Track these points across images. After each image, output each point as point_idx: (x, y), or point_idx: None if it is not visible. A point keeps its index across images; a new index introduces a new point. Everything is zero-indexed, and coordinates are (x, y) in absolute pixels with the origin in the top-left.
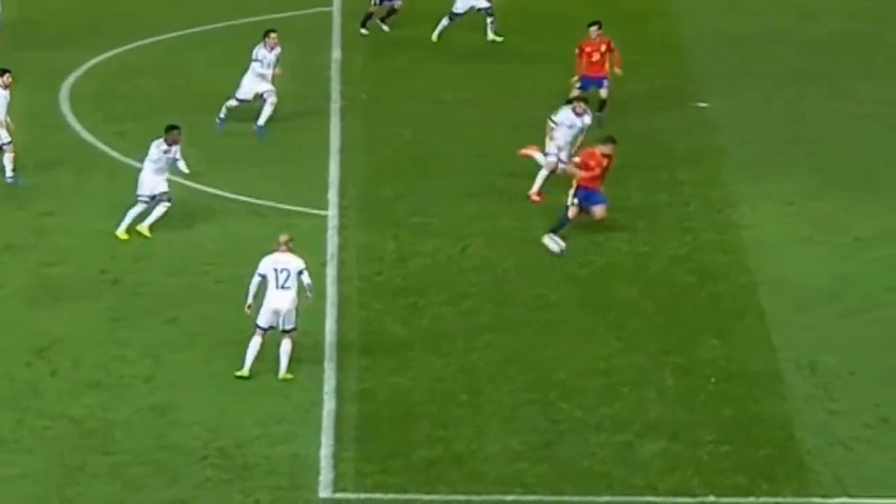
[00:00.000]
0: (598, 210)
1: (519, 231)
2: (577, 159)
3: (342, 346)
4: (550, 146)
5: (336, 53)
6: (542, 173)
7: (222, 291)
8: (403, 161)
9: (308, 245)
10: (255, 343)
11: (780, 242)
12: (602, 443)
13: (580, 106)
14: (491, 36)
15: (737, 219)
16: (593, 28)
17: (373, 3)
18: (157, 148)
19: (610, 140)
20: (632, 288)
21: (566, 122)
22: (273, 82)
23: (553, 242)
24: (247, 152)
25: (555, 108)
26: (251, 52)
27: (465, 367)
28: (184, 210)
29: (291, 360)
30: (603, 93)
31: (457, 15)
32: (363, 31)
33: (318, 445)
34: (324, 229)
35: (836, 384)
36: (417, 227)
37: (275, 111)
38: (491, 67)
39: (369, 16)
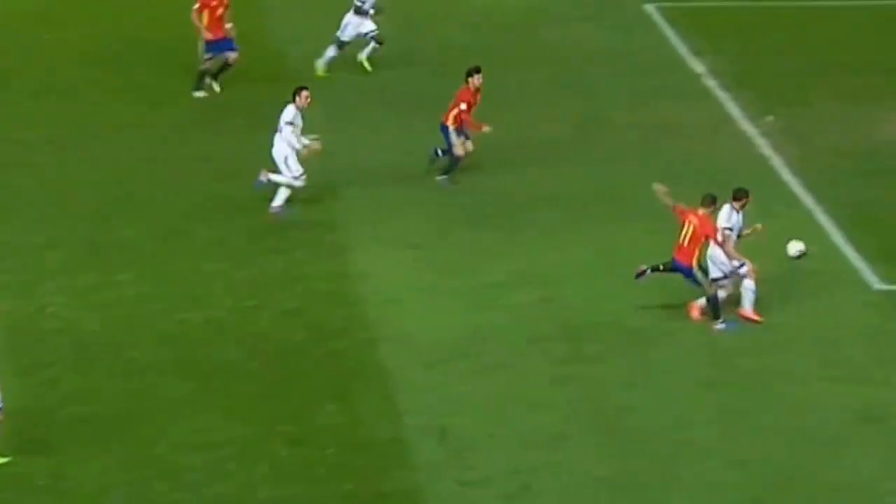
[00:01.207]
0: None
1: (105, 287)
2: None
3: None
4: None
5: None
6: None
7: None
8: None
9: None
10: None
11: (402, 292)
12: None
13: None
14: (364, 59)
15: (353, 266)
16: None
17: (204, 58)
18: None
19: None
20: (236, 348)
21: None
22: None
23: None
24: None
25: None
26: None
27: (46, 447)
28: None
29: None
30: (232, 56)
31: (344, 43)
32: (198, 93)
33: None
34: None
35: (471, 450)
36: None
37: None
38: (65, 103)
39: (203, 75)
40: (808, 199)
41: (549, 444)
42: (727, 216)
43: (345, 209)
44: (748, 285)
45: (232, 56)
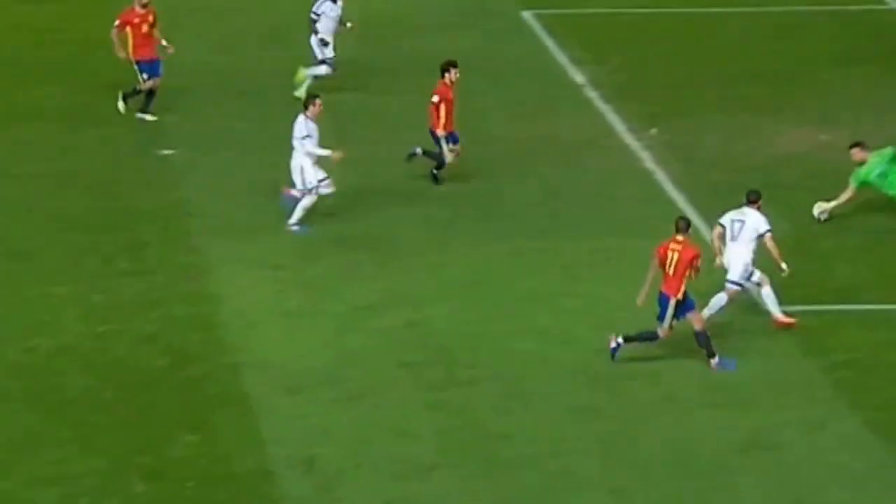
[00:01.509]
0: None
1: None
2: None
3: None
4: None
5: None
6: None
7: None
8: None
9: None
10: None
11: (266, 315)
12: None
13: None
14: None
15: (214, 288)
16: None
17: (141, 79)
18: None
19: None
20: (89, 376)
21: None
22: None
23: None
24: None
25: None
26: None
27: None
28: None
29: None
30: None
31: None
32: (148, 117)
33: None
34: None
35: (339, 481)
36: None
37: None
38: None
39: (136, 91)
40: (693, 216)
41: (420, 475)
42: (763, 219)
43: (204, 228)
44: (766, 292)
45: (156, 82)
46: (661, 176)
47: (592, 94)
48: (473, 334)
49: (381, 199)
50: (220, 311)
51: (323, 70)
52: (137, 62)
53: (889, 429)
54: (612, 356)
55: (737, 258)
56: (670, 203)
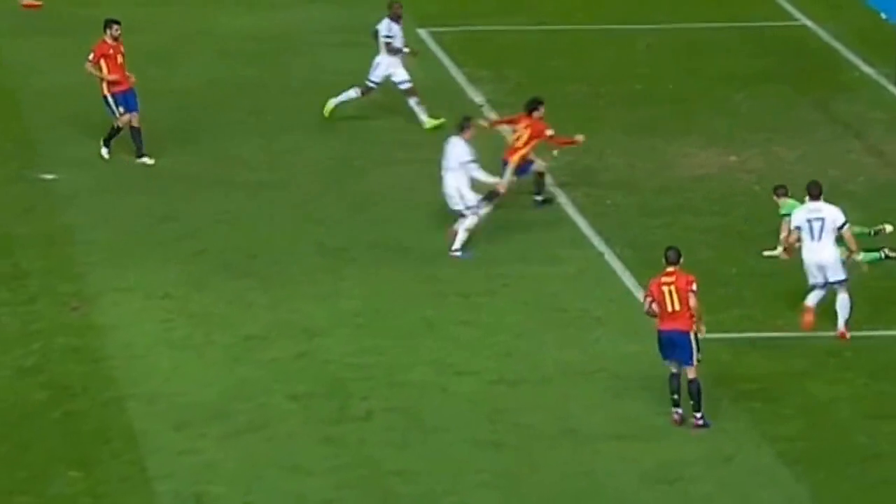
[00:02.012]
0: None
1: None
2: None
3: None
4: None
5: None
6: None
7: None
8: None
9: None
10: None
11: (152, 347)
12: None
13: None
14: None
15: (97, 318)
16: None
17: (118, 113)
18: None
19: None
20: None
21: None
22: None
23: None
24: None
25: None
26: None
27: None
28: None
29: None
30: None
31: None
32: (105, 151)
33: None
34: None
35: None
36: None
37: None
38: None
39: (116, 130)
40: (596, 241)
41: None
42: (838, 210)
43: (87, 255)
44: (843, 299)
45: (135, 117)
46: (562, 199)
47: (492, 115)
48: (368, 365)
49: (271, 225)
50: (105, 343)
51: (354, 93)
52: (113, 96)
53: (800, 460)
54: (678, 422)
55: (830, 256)
56: (572, 227)
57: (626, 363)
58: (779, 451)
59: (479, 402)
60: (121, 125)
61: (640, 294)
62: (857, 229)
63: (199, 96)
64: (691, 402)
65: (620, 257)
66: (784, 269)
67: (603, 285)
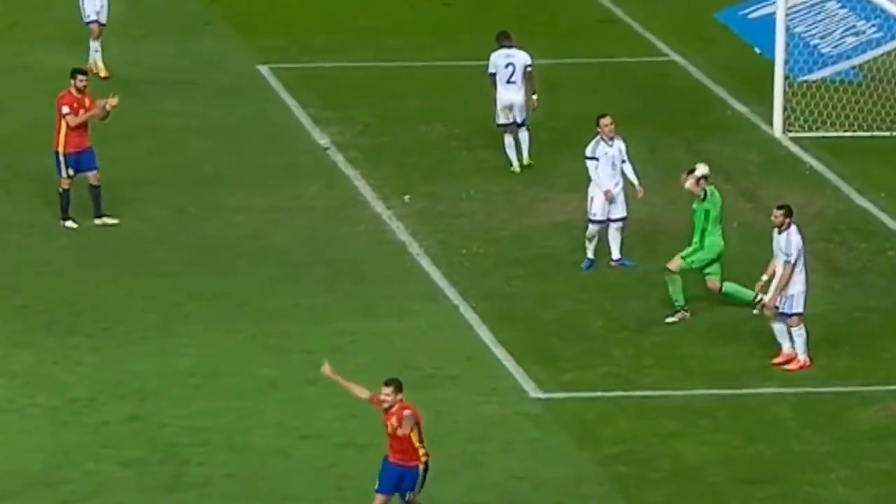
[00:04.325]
0: None
1: None
2: None
3: None
4: None
5: None
6: None
7: None
8: None
9: None
10: None
11: None
12: None
13: None
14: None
15: None
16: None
17: (65, 174)
18: None
19: None
20: None
21: None
22: None
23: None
24: None
25: None
26: None
27: None
28: None
29: None
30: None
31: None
32: (70, 224)
33: None
34: None
35: None
36: None
37: None
38: None
39: (64, 193)
40: (451, 293)
41: None
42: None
43: None
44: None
45: (97, 175)
46: (415, 248)
47: (338, 158)
48: (205, 429)
49: (97, 274)
50: None
51: None
52: (65, 156)
53: None
54: None
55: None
56: (425, 279)
57: (482, 425)
58: None
59: (326, 468)
60: (65, 187)
61: (497, 350)
62: (732, 288)
63: (22, 139)
64: None
65: (477, 311)
66: (655, 319)
67: (458, 341)
